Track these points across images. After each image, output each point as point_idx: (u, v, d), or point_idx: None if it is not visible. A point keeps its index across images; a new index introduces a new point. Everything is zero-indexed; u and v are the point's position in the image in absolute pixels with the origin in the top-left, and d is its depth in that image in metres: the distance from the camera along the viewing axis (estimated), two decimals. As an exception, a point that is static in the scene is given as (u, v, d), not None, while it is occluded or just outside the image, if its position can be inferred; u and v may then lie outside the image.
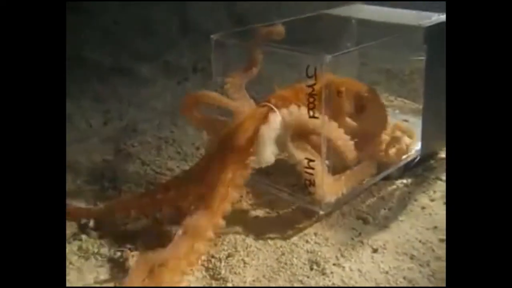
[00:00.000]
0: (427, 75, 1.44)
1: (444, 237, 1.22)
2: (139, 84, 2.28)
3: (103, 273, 1.16)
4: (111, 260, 1.20)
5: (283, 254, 1.19)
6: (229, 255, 1.18)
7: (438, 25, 1.44)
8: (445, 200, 1.37)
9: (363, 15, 1.64)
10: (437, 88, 1.37)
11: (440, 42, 1.18)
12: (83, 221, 1.32)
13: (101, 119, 1.96)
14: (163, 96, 2.17)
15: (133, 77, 2.40)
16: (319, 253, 1.19)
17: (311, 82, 1.10)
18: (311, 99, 1.11)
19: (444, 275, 1.08)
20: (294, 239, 1.25)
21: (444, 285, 1.01)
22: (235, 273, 1.14)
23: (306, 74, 1.10)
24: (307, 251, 1.20)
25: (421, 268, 1.14)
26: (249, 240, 1.24)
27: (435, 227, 1.28)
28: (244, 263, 1.16)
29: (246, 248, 1.21)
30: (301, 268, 1.15)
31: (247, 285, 1.11)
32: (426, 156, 1.55)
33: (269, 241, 1.24)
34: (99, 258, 1.21)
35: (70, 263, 1.20)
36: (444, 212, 1.32)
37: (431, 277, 1.11)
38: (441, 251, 1.19)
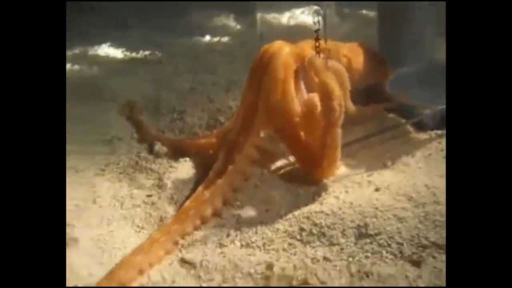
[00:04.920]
0: None
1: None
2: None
3: (149, 184, 1.43)
4: (158, 175, 1.47)
5: (292, 184, 1.34)
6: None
7: None
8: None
9: None
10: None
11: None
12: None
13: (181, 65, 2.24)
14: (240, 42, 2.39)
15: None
16: (327, 188, 1.31)
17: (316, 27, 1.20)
18: (317, 43, 1.21)
19: (436, 218, 1.13)
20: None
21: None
22: (245, 194, 1.31)
23: (313, 21, 1.20)
24: (316, 185, 1.32)
25: (415, 209, 1.17)
26: (265, 172, 1.38)
27: (448, 176, 1.29)
28: (256, 186, 1.33)
29: (262, 174, 1.36)
30: (305, 198, 1.29)
31: (254, 207, 1.28)
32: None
33: (285, 173, 1.38)
34: (149, 172, 1.48)
35: (127, 174, 1.49)
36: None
37: (422, 218, 1.14)
38: (443, 197, 1.19)
